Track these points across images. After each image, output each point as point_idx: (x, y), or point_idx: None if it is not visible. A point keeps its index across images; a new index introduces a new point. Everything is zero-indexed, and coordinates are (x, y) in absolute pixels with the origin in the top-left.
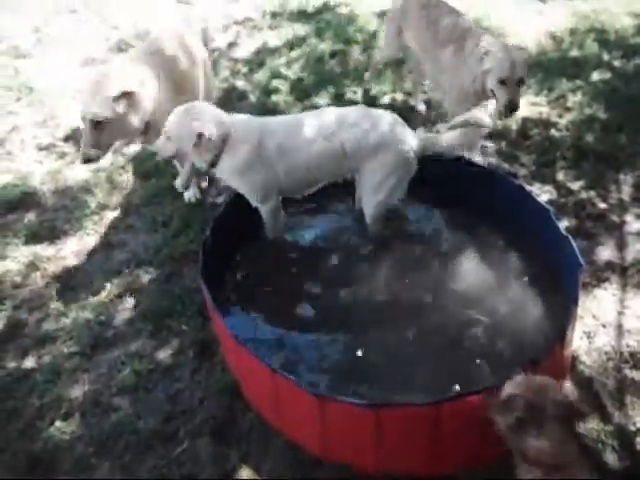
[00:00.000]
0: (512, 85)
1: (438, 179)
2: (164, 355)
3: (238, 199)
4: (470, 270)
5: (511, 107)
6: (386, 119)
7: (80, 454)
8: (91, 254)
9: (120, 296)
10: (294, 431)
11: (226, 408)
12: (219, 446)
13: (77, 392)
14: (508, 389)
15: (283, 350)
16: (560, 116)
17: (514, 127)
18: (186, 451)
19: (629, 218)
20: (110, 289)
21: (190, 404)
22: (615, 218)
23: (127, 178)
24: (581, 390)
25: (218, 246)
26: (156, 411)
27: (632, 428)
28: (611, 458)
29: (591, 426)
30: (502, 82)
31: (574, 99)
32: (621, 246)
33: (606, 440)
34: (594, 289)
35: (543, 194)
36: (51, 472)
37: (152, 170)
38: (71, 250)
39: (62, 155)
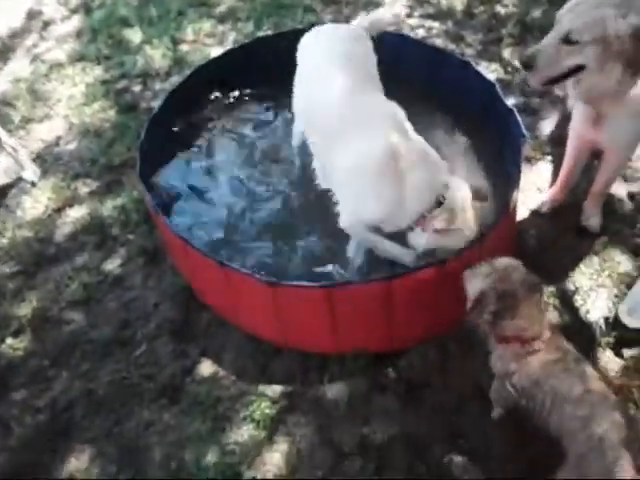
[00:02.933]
0: None
1: (382, 60)
2: (112, 266)
3: (172, 99)
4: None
5: None
6: None
7: (35, 367)
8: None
9: (59, 211)
10: (251, 323)
11: (181, 309)
12: (178, 345)
13: (25, 310)
14: (475, 284)
15: (229, 247)
16: None
17: (459, 7)
18: (145, 353)
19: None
20: (48, 204)
21: (144, 310)
22: (560, 92)
23: (51, 87)
24: (524, 257)
25: (156, 149)
26: (110, 320)
27: (572, 288)
28: (553, 316)
29: None
30: None
31: None
32: (564, 119)
33: (548, 301)
34: (538, 162)
35: (490, 73)
36: (7, 388)
37: (78, 77)
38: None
39: None
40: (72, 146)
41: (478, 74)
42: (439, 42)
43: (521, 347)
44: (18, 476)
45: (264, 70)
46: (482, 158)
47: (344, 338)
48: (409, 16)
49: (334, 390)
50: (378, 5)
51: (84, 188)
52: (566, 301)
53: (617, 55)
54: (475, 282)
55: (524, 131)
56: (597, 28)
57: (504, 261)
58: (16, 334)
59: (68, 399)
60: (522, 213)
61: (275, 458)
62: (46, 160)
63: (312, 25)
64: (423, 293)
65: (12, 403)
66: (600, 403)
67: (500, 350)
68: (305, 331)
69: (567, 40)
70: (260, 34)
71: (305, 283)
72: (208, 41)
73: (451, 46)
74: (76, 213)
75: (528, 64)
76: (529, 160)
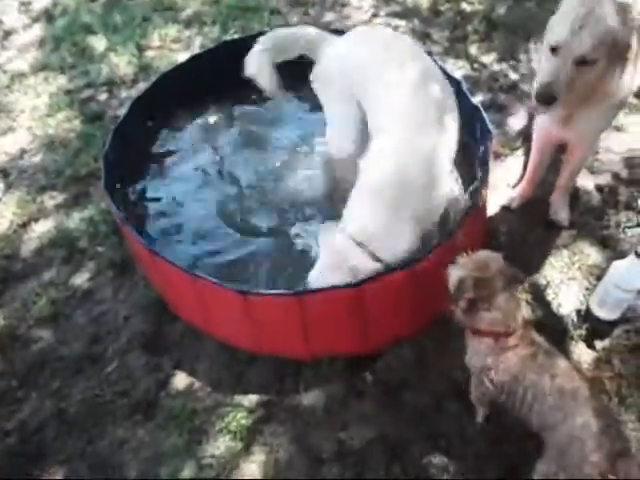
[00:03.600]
0: None
1: None
2: (81, 280)
3: (138, 106)
4: None
5: None
6: None
7: (4, 389)
8: None
9: (24, 225)
10: (224, 332)
11: (153, 322)
12: (151, 358)
13: None
14: (454, 273)
15: (200, 258)
16: None
17: (425, 5)
18: (117, 368)
19: None
20: (12, 219)
21: (115, 324)
22: (526, 87)
23: (14, 98)
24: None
25: (122, 158)
26: (80, 336)
27: (543, 282)
28: (525, 310)
29: None
30: None
31: None
32: (531, 114)
33: (520, 296)
34: (507, 158)
35: (457, 70)
36: None
37: (41, 87)
38: None
39: None
40: (37, 158)
41: (444, 72)
42: None
43: (495, 342)
44: None
45: (232, 74)
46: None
47: (317, 344)
48: (375, 15)
49: (310, 397)
50: (344, 5)
51: (50, 201)
52: (538, 295)
53: (618, 55)
54: (455, 272)
55: (490, 127)
56: (607, 39)
57: (484, 253)
58: None
59: (38, 420)
60: (492, 209)
61: (252, 469)
62: (10, 174)
63: (279, 27)
64: (395, 295)
65: None
66: (578, 394)
67: (475, 344)
68: (279, 338)
69: (583, 62)
70: (227, 38)
71: (275, 291)
72: (174, 46)
73: (418, 44)
74: (42, 227)
75: (547, 97)
76: (498, 156)
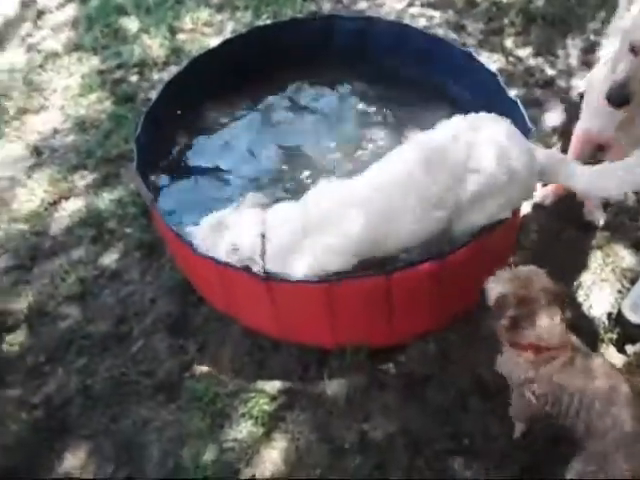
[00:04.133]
0: None
1: (377, 48)
2: (109, 260)
3: (169, 90)
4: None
5: None
6: None
7: (31, 363)
8: (17, 162)
9: (55, 204)
10: (249, 318)
11: (179, 304)
12: (176, 340)
13: (21, 304)
14: (495, 289)
15: None
16: None
17: None
18: (142, 348)
19: (577, 83)
20: (44, 197)
21: (142, 305)
22: (563, 84)
23: (47, 78)
24: (528, 253)
25: (153, 141)
26: (107, 315)
27: (574, 283)
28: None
29: None
30: None
31: None
32: (568, 111)
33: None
34: None
35: (492, 63)
36: (3, 384)
37: (74, 67)
38: None
39: None
40: (68, 138)
41: (480, 65)
42: (440, 31)
43: (536, 356)
44: (14, 474)
45: (263, 60)
46: None
47: (343, 333)
48: (410, 5)
49: (333, 386)
50: None
51: (80, 181)
52: (569, 296)
53: None
54: (496, 286)
55: (529, 124)
56: None
57: (527, 268)
58: (12, 329)
59: (64, 395)
60: (524, 206)
61: (274, 455)
62: (42, 152)
63: (312, 14)
64: (423, 287)
65: (7, 400)
66: (619, 392)
67: (514, 357)
68: (304, 326)
69: None
70: (259, 23)
71: (302, 279)
72: (206, 30)
73: (452, 35)
74: (72, 206)
75: (621, 98)
76: None
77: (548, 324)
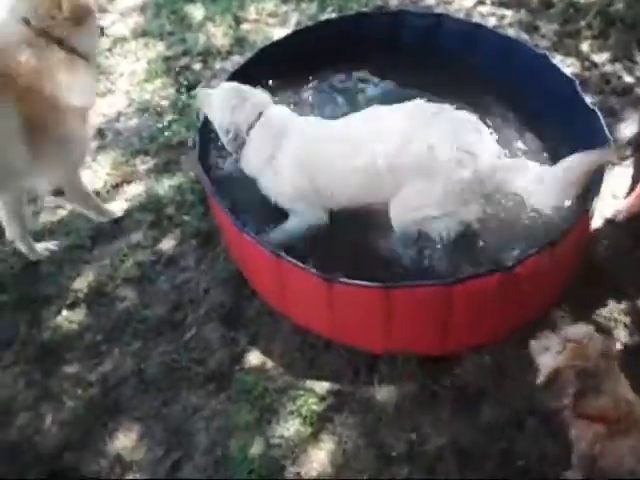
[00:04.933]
0: None
1: (450, 48)
2: (166, 246)
3: (233, 80)
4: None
5: None
6: None
7: (89, 342)
8: None
9: (117, 186)
10: (302, 315)
11: (232, 296)
12: (227, 331)
13: (81, 283)
14: (547, 361)
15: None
16: None
17: None
18: (195, 337)
19: None
20: (107, 180)
21: (196, 293)
22: None
23: (114, 62)
24: (595, 269)
25: (215, 133)
26: (162, 300)
27: None
28: (623, 335)
29: (605, 305)
30: None
31: None
32: None
33: (619, 318)
34: (615, 167)
35: (566, 67)
36: (61, 360)
37: (141, 53)
38: None
39: None
40: (132, 122)
41: (556, 69)
42: (511, 32)
43: (606, 428)
44: (69, 449)
45: (328, 54)
46: (556, 160)
47: (397, 339)
48: (481, 2)
49: (383, 392)
50: None
51: (142, 165)
52: (638, 318)
53: None
54: (547, 359)
55: (609, 135)
56: None
57: (576, 331)
58: (72, 307)
59: (119, 376)
60: (595, 220)
61: (320, 456)
62: (106, 135)
63: (379, 8)
64: (485, 299)
65: (65, 376)
66: None
67: (582, 429)
68: (358, 329)
69: None
70: (323, 16)
71: (363, 282)
72: (270, 21)
73: (524, 36)
74: (134, 190)
75: None
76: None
77: (614, 389)
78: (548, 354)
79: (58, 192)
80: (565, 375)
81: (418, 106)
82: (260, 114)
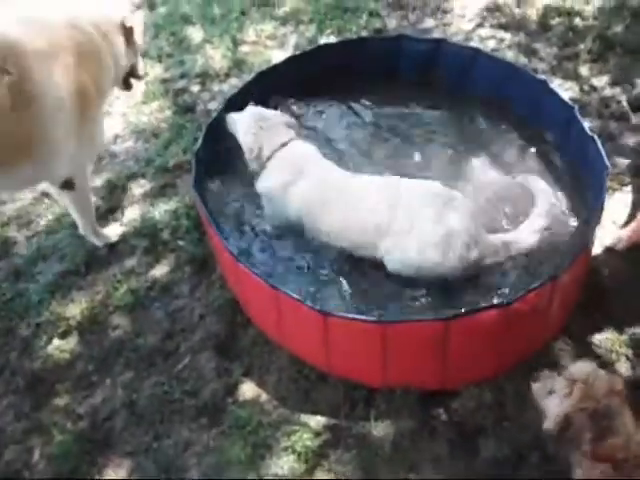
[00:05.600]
0: None
1: (450, 71)
2: (161, 272)
3: (231, 105)
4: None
5: None
6: None
7: (80, 372)
8: None
9: (112, 211)
10: (298, 347)
11: (227, 324)
12: (221, 361)
13: (73, 311)
14: (553, 407)
15: (282, 263)
16: (587, 2)
17: (534, 17)
18: (188, 367)
19: None
20: (101, 204)
21: (190, 321)
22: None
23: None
24: (595, 299)
25: (212, 155)
26: (155, 328)
27: None
28: (624, 367)
29: (605, 336)
30: None
31: None
32: None
33: (620, 350)
34: (615, 193)
35: (565, 91)
36: (52, 390)
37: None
38: None
39: None
40: (128, 145)
41: (555, 94)
42: (510, 54)
43: (614, 470)
44: None
45: (326, 79)
46: (557, 184)
47: (394, 374)
48: (480, 25)
49: (380, 428)
50: (447, 12)
51: (138, 189)
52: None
53: None
54: (553, 404)
55: (607, 162)
56: None
57: (580, 370)
58: (64, 335)
59: (110, 408)
60: (595, 248)
61: None
62: (102, 157)
63: (377, 31)
64: (483, 334)
65: (55, 408)
66: None
67: (587, 468)
68: (355, 363)
69: None
70: (322, 39)
71: (359, 316)
72: (269, 43)
73: (523, 60)
74: (129, 214)
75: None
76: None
77: (624, 428)
78: (553, 398)
79: (67, 184)
80: (578, 419)
81: (434, 188)
82: (283, 145)
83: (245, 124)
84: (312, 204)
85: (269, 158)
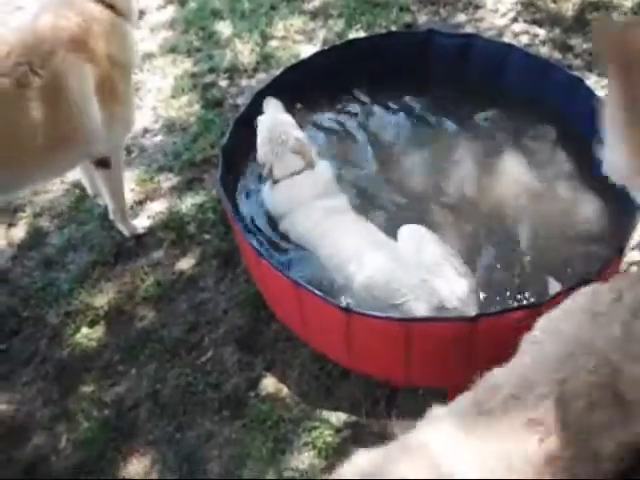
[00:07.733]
0: None
1: (480, 67)
2: (187, 265)
3: (258, 99)
4: (517, 172)
5: None
6: None
7: (107, 361)
8: None
9: (140, 203)
10: (320, 343)
11: (251, 318)
12: (244, 355)
13: (102, 300)
14: None
15: (306, 259)
16: None
17: (570, 13)
18: (211, 360)
19: None
20: (130, 196)
21: (214, 314)
22: None
23: (143, 78)
24: None
25: (239, 151)
26: (180, 321)
27: None
28: None
29: None
30: None
31: None
32: None
33: None
34: None
35: (600, 89)
36: (79, 379)
37: (168, 69)
38: None
39: None
40: (157, 139)
41: (590, 92)
42: (543, 50)
43: None
44: (82, 470)
45: (357, 74)
46: (588, 187)
47: (417, 374)
48: (515, 20)
49: (402, 428)
50: (479, 7)
51: (166, 182)
52: None
53: None
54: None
55: None
56: None
57: None
58: (92, 325)
59: (134, 398)
60: (632, 254)
61: None
62: (132, 151)
63: (407, 26)
64: (510, 335)
65: (81, 396)
66: None
67: None
68: (377, 361)
69: None
70: (351, 33)
71: (382, 314)
72: (297, 37)
73: (557, 56)
74: (157, 207)
75: None
76: None
77: None
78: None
79: (102, 163)
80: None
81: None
82: (292, 174)
83: (260, 137)
84: (305, 238)
85: (277, 181)
